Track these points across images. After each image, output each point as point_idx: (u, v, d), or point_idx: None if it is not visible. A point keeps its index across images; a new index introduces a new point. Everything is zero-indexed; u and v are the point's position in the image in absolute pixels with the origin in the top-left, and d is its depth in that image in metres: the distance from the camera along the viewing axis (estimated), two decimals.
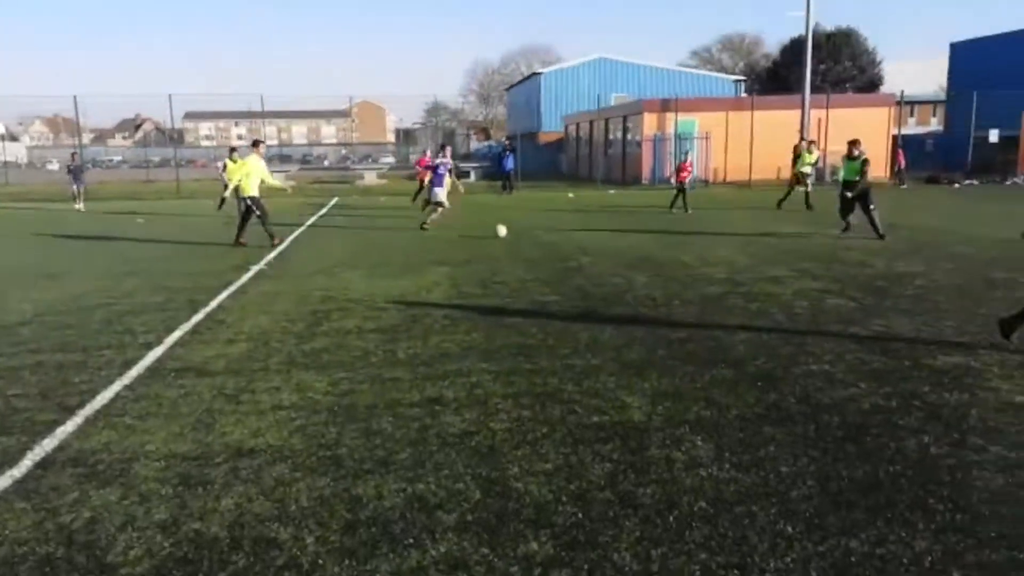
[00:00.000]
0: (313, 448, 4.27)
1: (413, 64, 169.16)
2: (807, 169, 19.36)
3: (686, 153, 22.51)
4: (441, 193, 15.97)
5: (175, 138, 68.01)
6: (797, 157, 19.60)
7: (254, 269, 10.82)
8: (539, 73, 56.84)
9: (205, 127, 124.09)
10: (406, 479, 3.85)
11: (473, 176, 38.22)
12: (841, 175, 14.22)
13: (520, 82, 66.14)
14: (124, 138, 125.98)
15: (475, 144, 64.07)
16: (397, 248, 13.25)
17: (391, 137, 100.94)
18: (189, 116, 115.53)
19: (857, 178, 13.47)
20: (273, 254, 12.49)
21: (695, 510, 3.48)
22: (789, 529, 3.29)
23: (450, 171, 16.43)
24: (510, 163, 31.11)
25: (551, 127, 51.82)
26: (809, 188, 19.27)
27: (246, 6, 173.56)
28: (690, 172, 20.55)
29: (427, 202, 16.89)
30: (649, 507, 3.52)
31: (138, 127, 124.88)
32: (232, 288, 9.33)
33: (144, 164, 61.24)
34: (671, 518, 3.41)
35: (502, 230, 14.38)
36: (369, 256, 12.20)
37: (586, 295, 8.64)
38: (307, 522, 3.43)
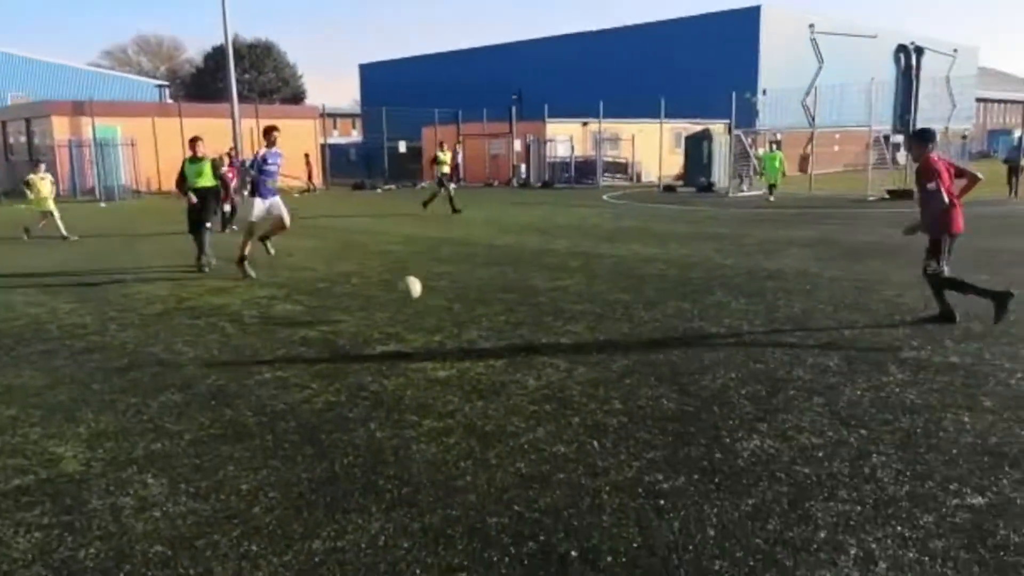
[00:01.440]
0: None
1: None
2: (445, 169, 20.13)
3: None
4: (261, 206, 10.22)
5: None
6: (435, 160, 20.32)
7: None
8: None
9: None
10: None
11: None
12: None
13: None
14: None
15: None
16: None
17: None
18: None
19: (210, 184, 11.46)
20: None
21: (150, 556, 3.14)
22: (254, 548, 3.20)
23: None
24: None
25: None
26: (442, 191, 19.74)
27: None
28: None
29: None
30: (94, 570, 3.04)
31: None
32: None
33: None
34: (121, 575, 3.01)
35: (415, 288, 7.75)
36: None
37: None
38: None
